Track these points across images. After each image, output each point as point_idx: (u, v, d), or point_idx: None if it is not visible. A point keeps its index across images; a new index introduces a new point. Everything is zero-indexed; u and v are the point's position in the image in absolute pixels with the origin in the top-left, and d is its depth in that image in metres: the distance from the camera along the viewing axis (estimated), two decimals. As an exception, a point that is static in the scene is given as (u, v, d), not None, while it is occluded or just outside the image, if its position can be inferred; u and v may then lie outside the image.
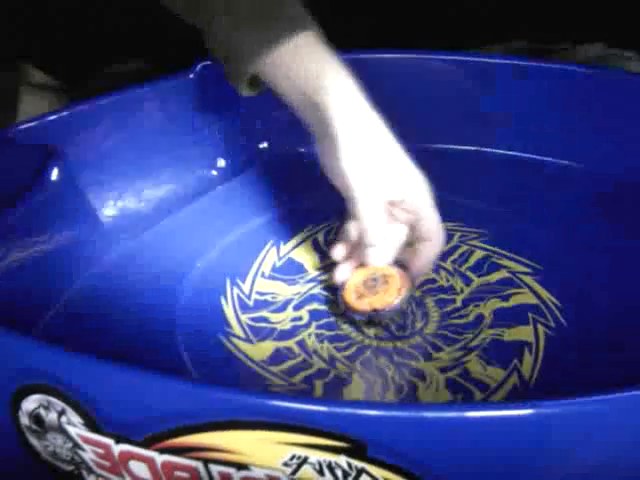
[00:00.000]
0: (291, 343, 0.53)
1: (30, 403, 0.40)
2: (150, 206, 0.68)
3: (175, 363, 0.51)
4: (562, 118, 0.71)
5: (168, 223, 0.66)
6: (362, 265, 0.56)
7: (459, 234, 0.63)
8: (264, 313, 0.56)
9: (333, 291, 0.57)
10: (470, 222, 0.64)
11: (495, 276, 0.58)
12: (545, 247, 0.61)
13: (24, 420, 0.41)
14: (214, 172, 0.72)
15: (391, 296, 0.53)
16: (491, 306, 0.55)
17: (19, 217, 0.56)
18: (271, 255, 0.62)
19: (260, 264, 0.61)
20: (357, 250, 0.56)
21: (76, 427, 0.40)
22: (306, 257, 0.61)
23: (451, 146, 0.75)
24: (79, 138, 0.64)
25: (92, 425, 0.39)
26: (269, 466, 0.37)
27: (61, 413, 0.40)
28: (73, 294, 0.58)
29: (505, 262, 0.60)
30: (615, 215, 0.64)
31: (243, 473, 0.38)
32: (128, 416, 0.38)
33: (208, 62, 0.68)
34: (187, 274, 0.60)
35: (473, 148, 0.75)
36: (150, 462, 0.39)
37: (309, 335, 0.54)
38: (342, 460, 0.36)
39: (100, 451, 0.39)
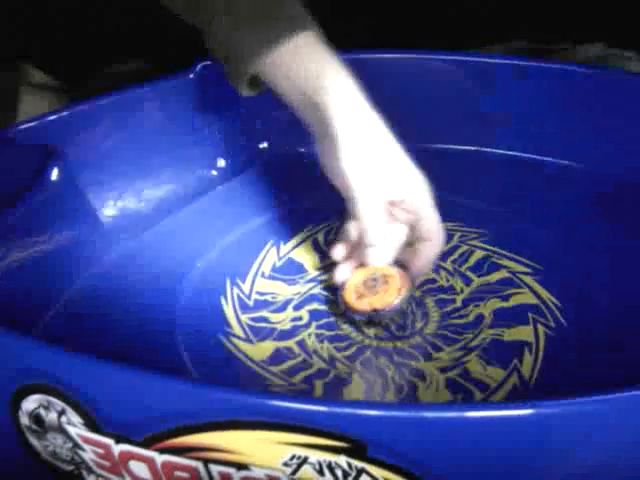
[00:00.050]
0: (291, 343, 0.53)
1: (30, 403, 0.40)
2: (150, 206, 0.68)
3: (175, 363, 0.51)
4: (562, 118, 0.71)
5: (168, 223, 0.66)
6: (362, 265, 0.56)
7: (459, 234, 0.63)
8: (264, 313, 0.56)
9: (333, 291, 0.57)
10: (470, 222, 0.64)
11: (495, 276, 0.58)
12: (545, 247, 0.61)
13: (24, 420, 0.41)
14: (214, 172, 0.72)
15: (391, 296, 0.53)
16: (491, 306, 0.55)
17: (19, 217, 0.56)
18: (271, 255, 0.62)
19: (260, 264, 0.61)
20: (357, 250, 0.56)
21: (76, 427, 0.40)
22: (306, 257, 0.61)
23: (451, 146, 0.75)
24: (79, 138, 0.64)
25: (92, 425, 0.39)
26: (269, 466, 0.37)
27: (61, 413, 0.40)
28: (73, 294, 0.58)
29: (505, 262, 0.60)
30: (615, 215, 0.64)
31: (243, 473, 0.38)
32: (128, 416, 0.38)
33: (208, 62, 0.68)
34: (187, 274, 0.60)
35: (473, 148, 0.75)
36: (150, 462, 0.39)
37: (309, 335, 0.54)
38: (342, 460, 0.36)
39: (100, 451, 0.39)
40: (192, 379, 0.48)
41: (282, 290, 0.58)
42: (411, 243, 0.56)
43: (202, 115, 0.70)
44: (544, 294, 0.56)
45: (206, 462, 0.38)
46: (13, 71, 0.85)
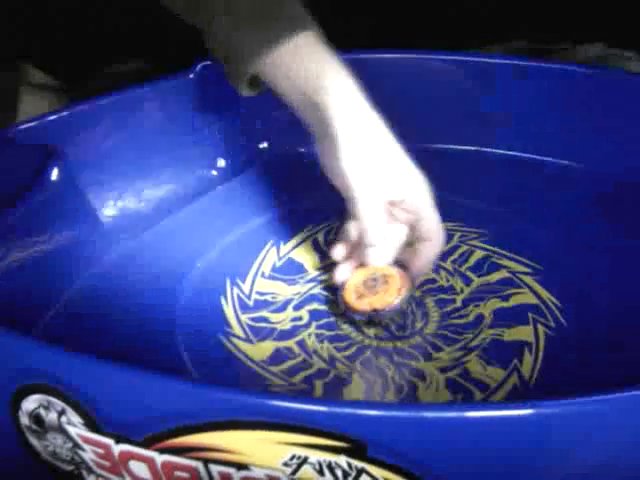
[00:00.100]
0: (291, 343, 0.53)
1: (30, 403, 0.40)
2: (150, 206, 0.68)
3: (175, 363, 0.51)
4: (562, 118, 0.71)
5: (168, 223, 0.66)
6: (362, 265, 0.56)
7: (459, 234, 0.63)
8: (264, 313, 0.56)
9: (333, 291, 0.57)
10: (470, 222, 0.64)
11: (495, 276, 0.58)
12: (545, 247, 0.61)
13: (24, 420, 0.41)
14: (214, 172, 0.72)
15: (391, 296, 0.53)
16: (491, 306, 0.55)
17: (19, 217, 0.56)
18: (271, 255, 0.62)
19: (260, 264, 0.61)
20: (357, 250, 0.56)
21: (76, 427, 0.40)
22: (306, 257, 0.61)
23: (451, 146, 0.75)
24: (79, 138, 0.64)
25: (92, 425, 0.39)
26: (269, 466, 0.37)
27: (61, 413, 0.40)
28: (73, 294, 0.58)
29: (505, 262, 0.60)
30: (615, 215, 0.64)
31: (243, 473, 0.38)
32: (128, 416, 0.38)
33: (208, 62, 0.68)
34: (187, 274, 0.60)
35: (473, 148, 0.75)
36: (150, 462, 0.39)
37: (309, 335, 0.54)
38: (342, 460, 0.36)
39: (100, 451, 0.39)
40: (192, 379, 0.48)
41: (282, 290, 0.58)
42: (411, 243, 0.56)
43: (202, 115, 0.70)
44: (544, 294, 0.56)
45: (206, 462, 0.38)
46: (13, 71, 0.85)
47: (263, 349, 0.53)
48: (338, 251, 0.57)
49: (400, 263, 0.56)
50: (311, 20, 0.56)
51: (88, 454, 0.40)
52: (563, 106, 0.71)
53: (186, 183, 0.70)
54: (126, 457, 0.39)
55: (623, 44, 0.87)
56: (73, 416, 0.39)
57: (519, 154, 0.74)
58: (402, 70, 0.74)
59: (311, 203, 0.68)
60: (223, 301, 0.57)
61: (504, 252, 0.61)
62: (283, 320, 0.55)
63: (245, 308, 0.56)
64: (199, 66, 0.68)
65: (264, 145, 0.75)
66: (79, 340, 0.52)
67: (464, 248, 0.62)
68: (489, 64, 0.73)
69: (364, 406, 0.36)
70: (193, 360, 0.51)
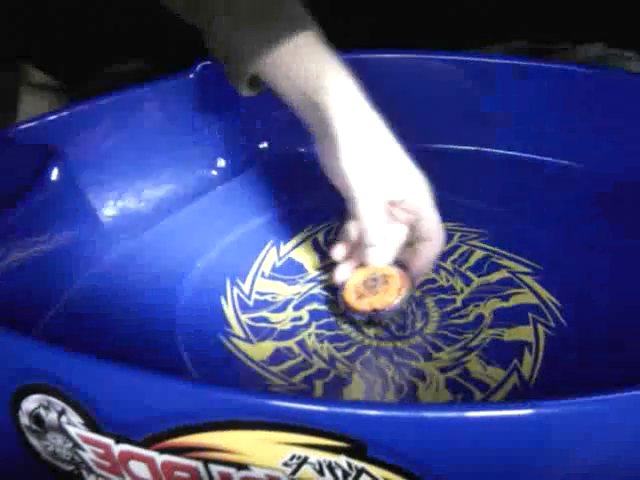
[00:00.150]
0: (291, 343, 0.53)
1: (30, 403, 0.40)
2: (150, 206, 0.68)
3: (175, 363, 0.51)
4: (562, 118, 0.71)
5: (168, 223, 0.66)
6: (362, 265, 0.56)
7: (459, 234, 0.63)
8: (264, 313, 0.56)
9: (333, 291, 0.57)
10: (470, 222, 0.64)
11: (495, 276, 0.58)
12: (545, 247, 0.61)
13: (24, 420, 0.41)
14: (214, 172, 0.72)
15: (391, 296, 0.53)
16: (491, 306, 0.55)
17: (19, 217, 0.56)
18: (271, 255, 0.62)
19: (260, 264, 0.61)
20: (357, 250, 0.56)
21: (76, 427, 0.40)
22: (306, 257, 0.61)
23: (451, 146, 0.75)
24: (79, 138, 0.64)
25: (92, 425, 0.39)
26: (269, 466, 0.37)
27: (61, 413, 0.40)
28: (73, 294, 0.58)
29: (505, 262, 0.60)
30: (615, 215, 0.64)
31: (243, 473, 0.38)
32: (128, 416, 0.38)
33: (208, 62, 0.68)
34: (187, 274, 0.60)
35: (473, 148, 0.75)
36: (150, 462, 0.39)
37: (309, 335, 0.54)
38: (342, 460, 0.36)
39: (100, 451, 0.39)
40: (192, 379, 0.48)
41: (282, 290, 0.58)
42: (411, 243, 0.56)
43: (202, 115, 0.70)
44: (544, 294, 0.56)
45: (206, 462, 0.38)
46: (13, 71, 0.85)
47: (263, 349, 0.53)
48: (338, 251, 0.57)
49: (400, 263, 0.56)
50: (311, 20, 0.56)
51: (88, 454, 0.40)
52: (563, 106, 0.71)
53: (186, 183, 0.70)
54: (126, 457, 0.39)
55: (623, 44, 0.87)
56: (73, 416, 0.39)
57: (519, 154, 0.74)
58: (402, 70, 0.74)
59: (311, 203, 0.68)
60: (223, 301, 0.57)
61: (504, 252, 0.61)
62: (283, 320, 0.55)
63: (245, 308, 0.56)
64: (199, 66, 0.68)
65: (264, 145, 0.75)
66: (79, 340, 0.52)
67: (464, 248, 0.62)
68: (489, 64, 0.73)
69: (364, 406, 0.36)
70: (193, 360, 0.51)
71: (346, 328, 0.54)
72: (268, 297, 0.58)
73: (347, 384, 0.50)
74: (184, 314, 0.56)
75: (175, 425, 0.37)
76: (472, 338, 0.53)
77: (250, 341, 0.53)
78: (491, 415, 0.35)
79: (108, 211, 0.66)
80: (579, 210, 0.65)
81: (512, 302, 0.56)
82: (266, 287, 0.59)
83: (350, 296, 0.54)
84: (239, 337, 0.54)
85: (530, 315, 0.54)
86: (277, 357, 0.52)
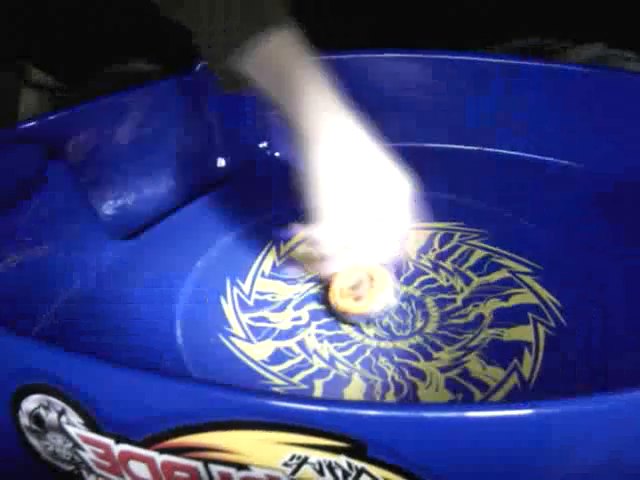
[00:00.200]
0: (291, 343, 0.53)
1: (30, 403, 0.40)
2: (150, 206, 0.68)
3: (175, 363, 0.51)
4: (562, 118, 0.71)
5: (168, 223, 0.66)
6: (348, 265, 0.56)
7: (459, 234, 0.63)
8: (264, 313, 0.56)
9: (333, 291, 0.57)
10: (470, 222, 0.64)
11: (495, 276, 0.58)
12: (545, 247, 0.61)
13: (24, 420, 0.41)
14: (214, 172, 0.72)
15: (378, 295, 0.53)
16: (491, 306, 0.55)
17: (19, 217, 0.56)
18: (271, 255, 0.62)
19: (260, 264, 0.61)
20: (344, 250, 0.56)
21: (76, 427, 0.39)
22: (306, 257, 0.61)
23: (451, 146, 0.75)
24: (79, 138, 0.64)
25: (92, 425, 0.39)
26: (269, 466, 0.37)
27: (61, 413, 0.40)
28: (73, 294, 0.58)
29: (505, 262, 0.60)
30: (615, 215, 0.64)
31: (243, 473, 0.37)
32: (128, 416, 0.38)
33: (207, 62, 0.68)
34: (187, 274, 0.60)
35: (473, 148, 0.75)
36: (150, 462, 0.38)
37: (309, 335, 0.54)
38: (342, 460, 0.36)
39: (100, 451, 0.39)
40: (192, 379, 0.48)
41: (282, 290, 0.58)
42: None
43: (202, 115, 0.70)
44: (544, 294, 0.56)
45: (206, 462, 0.38)
46: (13, 71, 0.85)
47: (263, 349, 0.53)
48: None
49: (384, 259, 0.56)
50: (288, 19, 0.55)
51: (88, 454, 0.40)
52: (563, 106, 0.71)
53: (186, 183, 0.70)
54: (126, 457, 0.39)
55: (623, 44, 0.87)
56: (73, 416, 0.39)
57: (519, 154, 0.74)
58: (402, 70, 0.74)
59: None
60: (223, 301, 0.57)
61: (504, 252, 0.61)
62: (283, 320, 0.55)
63: (245, 308, 0.56)
64: (199, 66, 0.68)
65: (264, 145, 0.75)
66: (79, 340, 0.53)
67: (464, 248, 0.62)
68: (489, 64, 0.73)
69: (364, 406, 0.36)
70: (193, 360, 0.51)
71: (346, 328, 0.54)
72: (268, 297, 0.58)
73: (347, 384, 0.50)
74: (184, 314, 0.56)
75: (175, 425, 0.37)
76: (472, 338, 0.53)
77: (250, 341, 0.53)
78: (491, 415, 0.35)
79: (108, 211, 0.66)
80: (579, 210, 0.65)
81: (512, 302, 0.56)
82: (266, 287, 0.59)
83: (339, 300, 0.54)
84: (239, 337, 0.54)
85: (530, 315, 0.54)
86: (277, 357, 0.52)
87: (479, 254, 0.61)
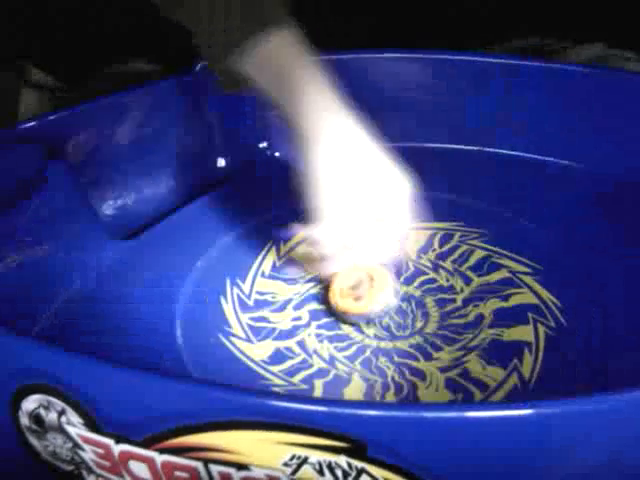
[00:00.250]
0: (291, 343, 0.53)
1: (30, 403, 0.40)
2: (150, 206, 0.68)
3: (175, 363, 0.51)
4: (562, 118, 0.71)
5: (168, 223, 0.66)
6: (348, 265, 0.56)
7: (459, 234, 0.63)
8: (264, 313, 0.56)
9: (333, 291, 0.57)
10: (470, 222, 0.64)
11: (495, 276, 0.58)
12: (545, 247, 0.61)
13: (24, 420, 0.41)
14: (214, 172, 0.72)
15: (378, 295, 0.53)
16: (491, 306, 0.55)
17: (19, 217, 0.56)
18: (271, 255, 0.62)
19: (260, 264, 0.61)
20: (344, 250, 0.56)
21: (76, 427, 0.39)
22: (306, 257, 0.61)
23: (451, 146, 0.75)
24: (79, 138, 0.64)
25: (92, 425, 0.39)
26: (269, 466, 0.37)
27: (61, 413, 0.40)
28: (73, 294, 0.58)
29: (505, 262, 0.60)
30: (615, 215, 0.64)
31: (243, 473, 0.37)
32: (128, 416, 0.38)
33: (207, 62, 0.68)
34: (187, 274, 0.60)
35: (474, 148, 0.75)
36: (150, 462, 0.38)
37: (309, 335, 0.54)
38: (342, 460, 0.36)
39: (100, 451, 0.39)
40: (192, 379, 0.48)
41: (282, 290, 0.58)
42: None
43: (202, 115, 0.70)
44: (544, 294, 0.56)
45: (206, 462, 0.38)
46: (13, 71, 0.85)
47: (263, 349, 0.53)
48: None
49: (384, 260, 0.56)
50: (289, 19, 0.55)
51: (88, 454, 0.40)
52: (563, 106, 0.71)
53: (186, 183, 0.70)
54: (126, 457, 0.39)
55: (623, 44, 0.87)
56: (73, 416, 0.39)
57: (519, 154, 0.74)
58: (402, 70, 0.74)
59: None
60: (223, 301, 0.57)
61: (504, 252, 0.61)
62: (283, 320, 0.55)
63: (245, 308, 0.56)
64: (199, 66, 0.68)
65: (264, 145, 0.75)
66: (79, 340, 0.53)
67: (464, 248, 0.62)
68: (489, 64, 0.73)
69: (364, 406, 0.36)
70: (193, 360, 0.51)
71: (346, 328, 0.54)
72: (268, 297, 0.58)
73: (347, 384, 0.50)
74: (184, 314, 0.56)
75: (175, 425, 0.37)
76: (472, 338, 0.53)
77: (250, 341, 0.53)
78: (491, 415, 0.35)
79: (108, 211, 0.66)
80: (579, 210, 0.65)
81: (512, 302, 0.56)
82: (266, 287, 0.59)
83: (338, 300, 0.54)
84: (239, 337, 0.54)
85: (530, 315, 0.54)
86: (277, 357, 0.52)
87: (479, 254, 0.61)
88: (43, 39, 0.88)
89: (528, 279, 0.58)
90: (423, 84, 0.73)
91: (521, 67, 0.72)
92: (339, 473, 0.36)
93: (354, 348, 0.53)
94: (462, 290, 0.57)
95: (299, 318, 0.55)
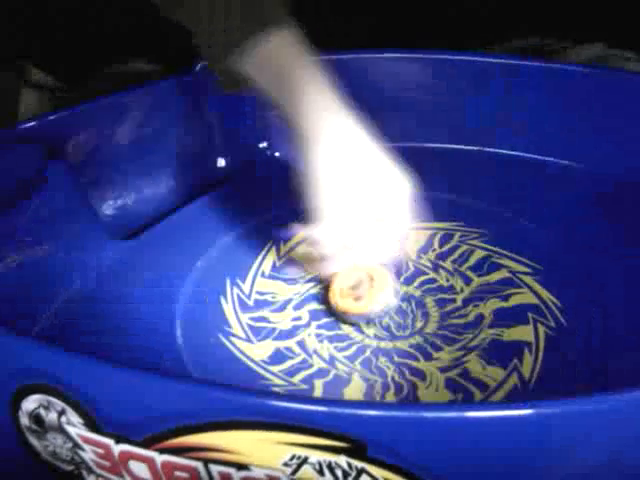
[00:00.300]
0: (291, 343, 0.53)
1: (30, 403, 0.40)
2: (150, 206, 0.68)
3: (175, 363, 0.51)
4: (562, 118, 0.71)
5: (168, 223, 0.66)
6: (348, 265, 0.56)
7: (459, 234, 0.63)
8: (264, 313, 0.56)
9: (333, 291, 0.57)
10: (470, 222, 0.64)
11: (495, 276, 0.58)
12: (545, 247, 0.61)
13: (24, 420, 0.41)
14: (214, 172, 0.72)
15: (377, 295, 0.53)
16: (491, 306, 0.55)
17: (19, 217, 0.56)
18: (271, 255, 0.62)
19: (260, 264, 0.61)
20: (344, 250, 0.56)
21: (76, 427, 0.39)
22: (306, 257, 0.61)
23: (451, 146, 0.75)
24: (79, 138, 0.64)
25: (92, 425, 0.39)
26: (269, 466, 0.37)
27: (61, 413, 0.40)
28: (73, 294, 0.58)
29: (505, 262, 0.60)
30: (615, 215, 0.64)
31: (243, 473, 0.37)
32: (128, 416, 0.38)
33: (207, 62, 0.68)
34: (187, 274, 0.60)
35: (474, 148, 0.75)
36: (150, 462, 0.38)
37: (309, 335, 0.54)
38: (342, 460, 0.36)
39: (100, 451, 0.39)
40: (192, 379, 0.48)
41: (282, 290, 0.58)
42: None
43: (202, 115, 0.70)
44: (544, 294, 0.56)
45: (206, 462, 0.38)
46: (13, 71, 0.85)
47: (263, 349, 0.53)
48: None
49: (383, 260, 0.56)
50: (289, 19, 0.55)
51: (88, 454, 0.40)
52: (563, 106, 0.71)
53: (186, 183, 0.70)
54: (126, 457, 0.39)
55: (623, 44, 0.87)
56: (73, 416, 0.39)
57: (519, 154, 0.74)
58: (402, 70, 0.74)
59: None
60: (223, 301, 0.57)
61: (504, 252, 0.61)
62: (283, 320, 0.55)
63: (245, 308, 0.56)
64: (199, 66, 0.68)
65: (264, 145, 0.75)
66: (79, 340, 0.53)
67: (464, 248, 0.62)
68: (489, 64, 0.73)
69: (364, 406, 0.36)
70: (193, 360, 0.51)
71: (346, 328, 0.54)
72: (268, 297, 0.58)
73: (347, 384, 0.50)
74: (184, 314, 0.56)
75: (175, 425, 0.37)
76: (472, 338, 0.53)
77: (250, 341, 0.53)
78: (491, 415, 0.35)
79: (108, 211, 0.66)
80: (579, 210, 0.65)
81: (512, 302, 0.56)
82: (266, 287, 0.59)
83: (338, 300, 0.54)
84: (239, 337, 0.54)
85: (530, 315, 0.54)
86: (277, 357, 0.52)
87: (479, 254, 0.61)
88: (43, 39, 0.88)
89: (528, 279, 0.58)
90: (423, 84, 0.73)
91: (521, 67, 0.72)
92: (339, 473, 0.36)
93: (354, 348, 0.53)
94: (462, 290, 0.57)
95: (299, 318, 0.55)
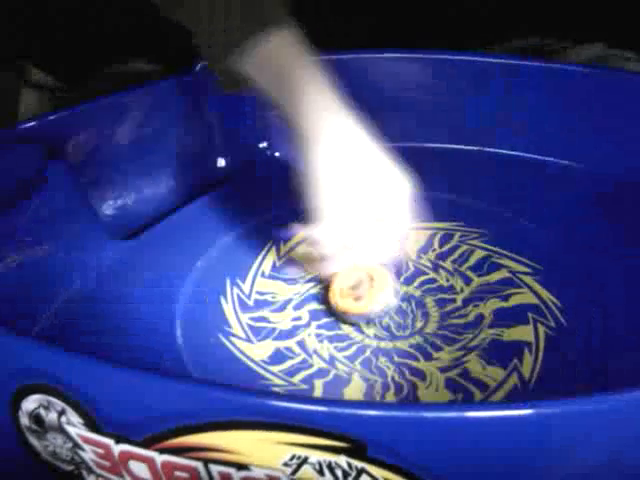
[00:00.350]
0: (291, 343, 0.53)
1: (30, 403, 0.40)
2: (150, 206, 0.68)
3: (175, 363, 0.51)
4: (562, 118, 0.71)
5: (168, 223, 0.66)
6: (348, 265, 0.56)
7: (459, 234, 0.63)
8: (264, 313, 0.56)
9: (333, 291, 0.57)
10: (470, 222, 0.64)
11: (495, 276, 0.58)
12: (545, 247, 0.61)
13: (24, 420, 0.41)
14: (214, 172, 0.72)
15: (377, 295, 0.53)
16: (491, 306, 0.55)
17: (19, 217, 0.56)
18: (271, 255, 0.62)
19: (260, 264, 0.61)
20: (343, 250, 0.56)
21: (76, 427, 0.39)
22: (306, 257, 0.61)
23: (451, 146, 0.75)
24: (79, 138, 0.64)
25: (92, 425, 0.39)
26: (269, 466, 0.37)
27: (61, 413, 0.40)
28: (73, 294, 0.58)
29: (505, 262, 0.60)
30: (615, 215, 0.64)
31: (243, 473, 0.37)
32: (128, 416, 0.38)
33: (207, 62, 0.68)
34: (187, 274, 0.60)
35: (474, 148, 0.75)
36: (150, 462, 0.38)
37: (309, 335, 0.54)
38: (342, 460, 0.36)
39: (100, 451, 0.39)
40: (192, 379, 0.48)
41: (282, 290, 0.58)
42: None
43: (202, 115, 0.70)
44: (544, 294, 0.56)
45: (206, 462, 0.38)
46: (13, 71, 0.85)
47: (263, 349, 0.53)
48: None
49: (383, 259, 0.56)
50: (289, 19, 0.55)
51: (88, 454, 0.40)
52: (563, 106, 0.71)
53: (186, 183, 0.70)
54: (126, 457, 0.39)
55: (623, 44, 0.87)
56: (73, 416, 0.39)
57: (519, 154, 0.74)
58: (402, 70, 0.74)
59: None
60: (223, 301, 0.57)
61: (504, 252, 0.61)
62: (283, 320, 0.55)
63: (245, 308, 0.56)
64: (199, 66, 0.68)
65: (264, 145, 0.75)
66: (79, 340, 0.53)
67: (464, 248, 0.62)
68: (489, 64, 0.73)
69: (364, 406, 0.36)
70: (193, 360, 0.51)
71: (346, 328, 0.54)
72: (268, 297, 0.58)
73: (347, 384, 0.50)
74: (184, 314, 0.56)
75: (175, 425, 0.37)
76: (472, 338, 0.53)
77: (250, 341, 0.53)
78: (491, 415, 0.35)
79: (108, 211, 0.66)
80: (579, 210, 0.65)
81: (512, 302, 0.56)
82: (266, 287, 0.59)
83: (338, 300, 0.54)
84: (239, 337, 0.54)
85: (530, 315, 0.54)
86: (277, 357, 0.52)
87: (479, 254, 0.61)
88: (43, 39, 0.88)
89: (528, 279, 0.58)
90: (423, 84, 0.73)
91: (521, 67, 0.72)
92: (339, 473, 0.36)
93: (354, 348, 0.53)
94: (462, 290, 0.57)
95: (299, 318, 0.55)
